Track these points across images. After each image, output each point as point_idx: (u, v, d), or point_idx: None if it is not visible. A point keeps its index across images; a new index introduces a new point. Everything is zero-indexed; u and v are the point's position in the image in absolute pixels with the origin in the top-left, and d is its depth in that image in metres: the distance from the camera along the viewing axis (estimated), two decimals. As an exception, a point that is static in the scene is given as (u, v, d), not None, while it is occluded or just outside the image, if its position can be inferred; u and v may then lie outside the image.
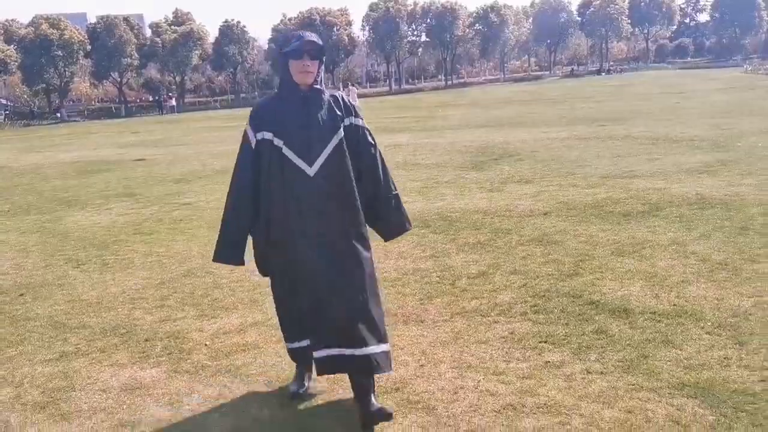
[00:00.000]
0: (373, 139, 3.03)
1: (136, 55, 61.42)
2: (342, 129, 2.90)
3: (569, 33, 79.64)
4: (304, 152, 2.83)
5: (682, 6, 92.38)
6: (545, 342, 3.58)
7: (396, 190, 3.11)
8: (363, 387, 2.88)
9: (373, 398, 2.87)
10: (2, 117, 53.23)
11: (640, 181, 8.06)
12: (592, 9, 77.07)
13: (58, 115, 55.99)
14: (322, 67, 2.93)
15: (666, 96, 26.31)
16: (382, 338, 2.87)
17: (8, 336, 4.24)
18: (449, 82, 72.25)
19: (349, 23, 69.68)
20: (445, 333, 3.83)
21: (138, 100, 69.53)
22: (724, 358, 3.23)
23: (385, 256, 5.35)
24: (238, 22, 66.78)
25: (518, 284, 4.58)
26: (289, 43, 2.85)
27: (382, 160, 3.06)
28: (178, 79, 67.22)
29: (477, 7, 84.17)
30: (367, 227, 2.96)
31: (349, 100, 3.01)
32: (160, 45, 62.07)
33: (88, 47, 58.64)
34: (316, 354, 2.87)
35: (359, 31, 71.39)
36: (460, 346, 3.62)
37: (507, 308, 4.13)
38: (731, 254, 4.87)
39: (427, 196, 8.09)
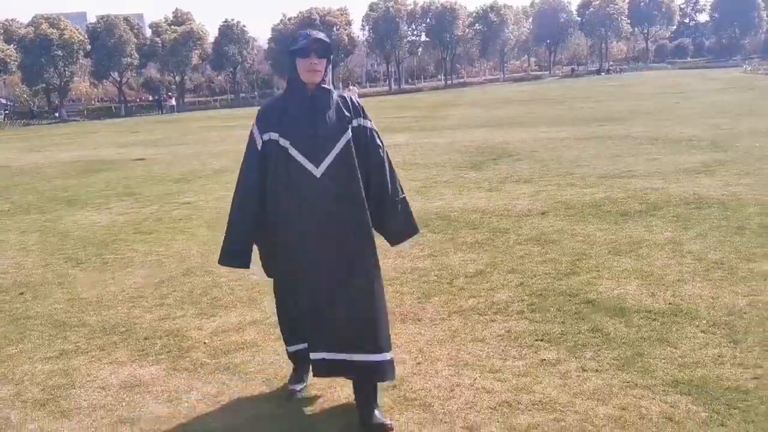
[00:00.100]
0: (381, 141, 2.97)
1: (136, 55, 61.41)
2: (350, 130, 2.84)
3: (569, 33, 79.63)
4: (311, 153, 2.77)
5: (682, 6, 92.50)
6: (541, 340, 3.61)
7: (403, 193, 3.05)
8: (364, 393, 2.86)
9: (375, 409, 2.83)
10: (2, 116, 53.27)
11: (639, 181, 8.09)
12: (591, 9, 77.10)
13: (57, 114, 56.02)
14: (330, 66, 2.87)
15: (665, 96, 26.33)
16: (386, 346, 2.82)
17: (8, 334, 4.26)
18: (449, 82, 72.29)
19: (349, 23, 69.68)
20: (442, 331, 3.85)
21: (138, 100, 69.58)
22: (718, 356, 3.26)
23: (383, 255, 5.31)
24: (238, 21, 66.91)
25: (515, 283, 4.61)
26: (296, 41, 2.81)
27: (390, 163, 3.00)
28: (177, 78, 67.23)
29: (477, 6, 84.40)
30: (374, 230, 2.91)
31: (357, 101, 2.96)
32: (159, 45, 62.10)
33: (88, 47, 58.62)
34: (314, 356, 2.84)
35: (359, 31, 71.55)
36: (457, 344, 3.65)
37: (504, 307, 4.16)
38: (727, 253, 4.90)
39: (426, 196, 8.12)
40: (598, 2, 76.24)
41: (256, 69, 71.96)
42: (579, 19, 79.21)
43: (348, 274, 2.79)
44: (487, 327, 3.86)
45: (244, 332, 4.02)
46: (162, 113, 53.82)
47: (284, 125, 2.82)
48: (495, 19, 72.27)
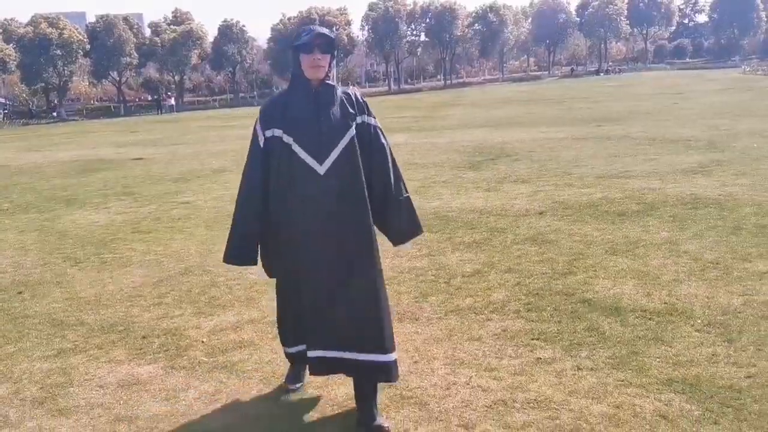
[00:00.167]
0: (386, 139, 2.92)
1: (135, 55, 61.42)
2: (354, 127, 2.80)
3: (568, 33, 79.75)
4: (315, 150, 2.74)
5: (681, 7, 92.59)
6: (537, 339, 3.63)
7: (407, 192, 2.99)
8: (364, 392, 2.86)
9: (375, 410, 2.82)
10: (1, 116, 53.29)
11: (636, 181, 8.11)
12: (590, 9, 77.20)
13: (56, 114, 55.99)
14: (334, 61, 2.81)
15: (664, 97, 26.37)
16: (390, 347, 2.79)
17: (7, 333, 4.28)
18: (448, 82, 72.29)
19: (348, 23, 69.75)
20: (439, 330, 3.87)
21: (137, 100, 69.52)
22: (713, 355, 3.29)
23: (382, 254, 5.38)
24: (238, 21, 66.96)
25: (512, 283, 4.63)
26: (299, 36, 2.76)
27: (394, 161, 2.95)
28: (177, 78, 67.22)
29: (476, 7, 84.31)
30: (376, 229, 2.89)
31: (361, 98, 2.92)
32: (159, 44, 62.11)
33: (87, 46, 58.64)
34: (311, 353, 2.82)
35: (358, 31, 71.58)
36: (454, 343, 3.67)
37: (500, 306, 4.18)
38: (723, 253, 4.93)
39: (424, 196, 8.13)
40: (597, 3, 76.32)
41: (256, 69, 71.98)
42: (578, 19, 79.31)
43: (348, 274, 2.77)
44: (484, 326, 3.88)
45: (242, 331, 4.04)
46: (161, 113, 53.77)
47: (287, 121, 2.78)
48: (494, 20, 72.31)
